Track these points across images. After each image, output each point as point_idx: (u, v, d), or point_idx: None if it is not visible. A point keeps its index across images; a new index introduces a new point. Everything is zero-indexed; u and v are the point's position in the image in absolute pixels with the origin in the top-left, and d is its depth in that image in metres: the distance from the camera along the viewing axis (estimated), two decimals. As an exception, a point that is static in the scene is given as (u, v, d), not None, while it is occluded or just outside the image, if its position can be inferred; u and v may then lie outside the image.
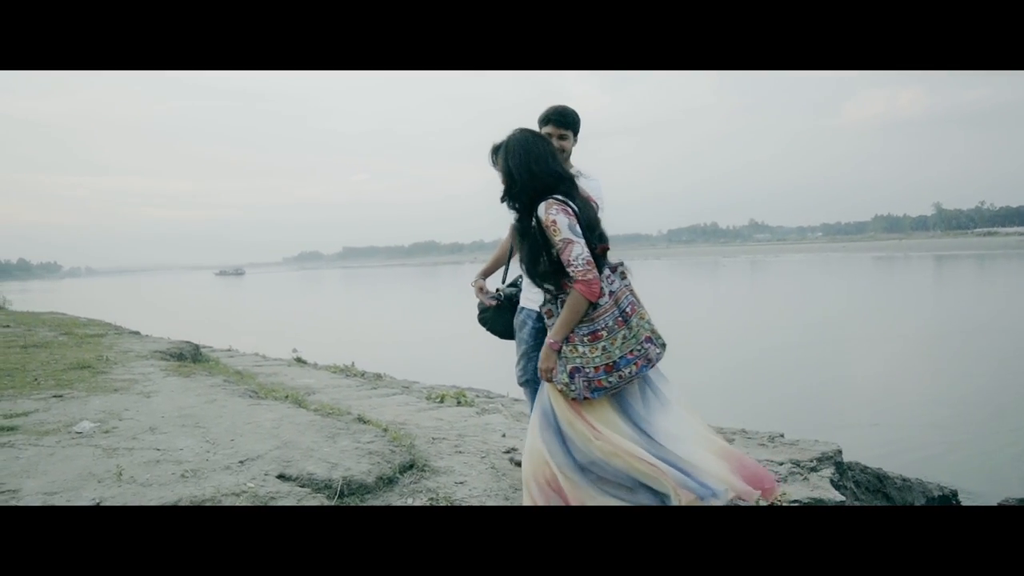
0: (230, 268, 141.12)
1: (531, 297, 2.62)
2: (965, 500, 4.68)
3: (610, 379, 2.26)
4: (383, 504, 2.68)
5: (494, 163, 2.41)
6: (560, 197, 2.29)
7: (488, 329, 2.97)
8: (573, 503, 2.25)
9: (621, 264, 2.44)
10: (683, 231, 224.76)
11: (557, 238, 2.24)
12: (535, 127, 2.68)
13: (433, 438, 3.74)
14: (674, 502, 2.19)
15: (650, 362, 2.32)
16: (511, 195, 2.37)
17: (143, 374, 4.94)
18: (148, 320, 15.93)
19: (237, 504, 2.43)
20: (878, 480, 4.03)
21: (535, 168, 2.30)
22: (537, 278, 2.40)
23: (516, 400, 5.59)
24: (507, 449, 3.52)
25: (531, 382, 2.68)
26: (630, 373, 2.28)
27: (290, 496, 2.54)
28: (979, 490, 5.35)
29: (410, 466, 3.04)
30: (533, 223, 2.30)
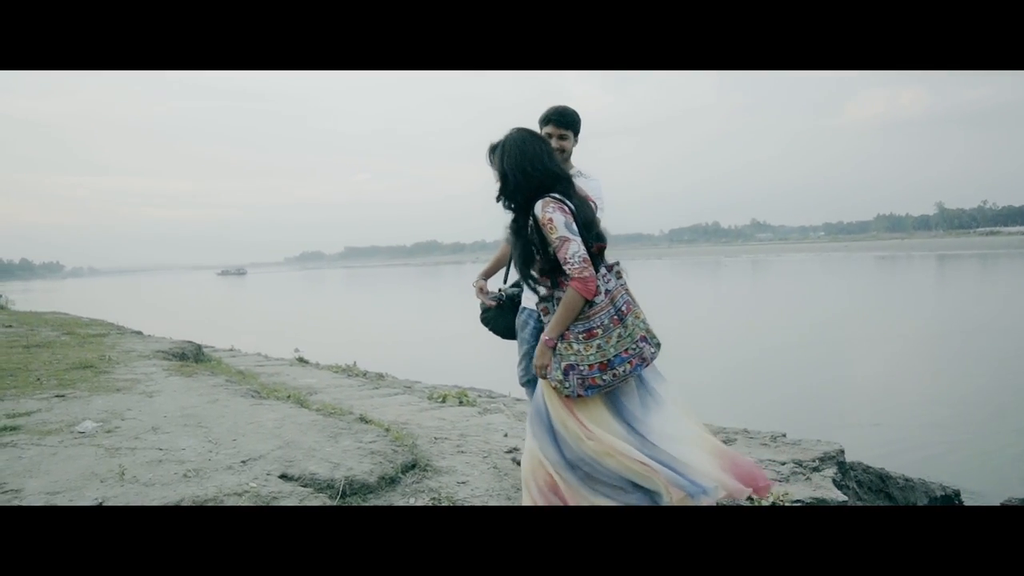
0: (232, 268, 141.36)
1: (533, 297, 2.62)
2: (968, 500, 4.67)
3: (604, 377, 2.26)
4: (385, 504, 2.69)
5: (491, 162, 2.41)
6: (557, 196, 2.29)
7: (490, 329, 2.97)
8: (571, 503, 2.26)
9: (617, 263, 2.44)
10: (685, 231, 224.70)
11: (554, 236, 2.24)
12: (536, 127, 2.68)
13: (435, 438, 3.74)
14: (665, 500, 2.20)
15: (644, 361, 2.32)
16: (506, 194, 2.37)
17: (145, 374, 4.95)
18: (150, 320, 15.97)
19: (239, 504, 2.44)
20: (880, 480, 4.02)
21: (529, 168, 2.30)
22: (528, 278, 2.41)
23: (518, 400, 5.59)
24: (509, 449, 3.52)
25: (533, 382, 2.68)
26: (624, 371, 2.28)
27: (292, 496, 2.54)
28: (982, 490, 5.34)
29: (412, 466, 3.05)
30: (530, 222, 2.30)
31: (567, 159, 2.78)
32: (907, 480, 4.17)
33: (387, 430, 3.47)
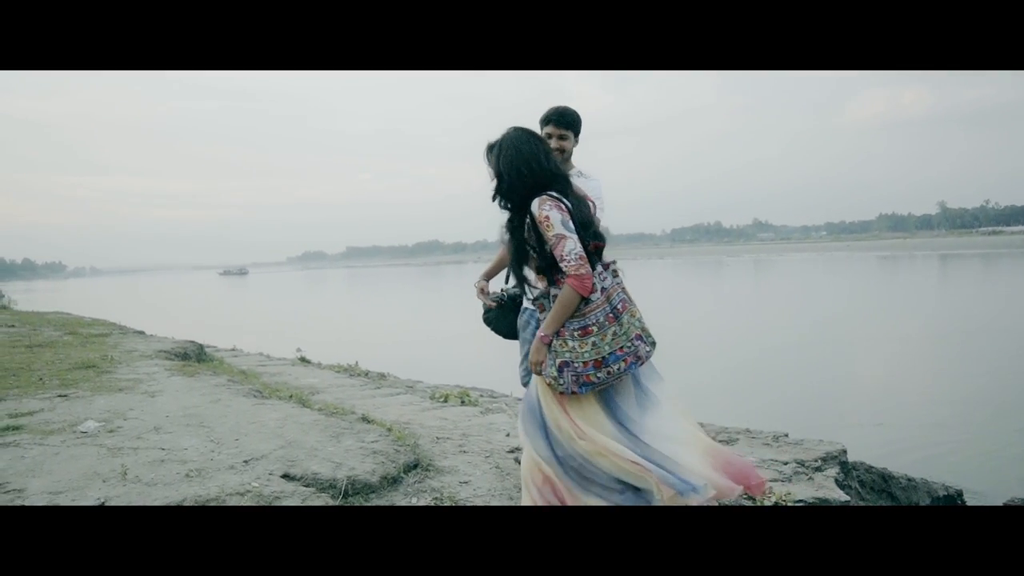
0: (234, 268, 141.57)
1: None
2: (970, 500, 4.66)
3: (598, 375, 2.27)
4: (387, 504, 2.69)
5: (488, 161, 2.42)
6: (554, 194, 2.30)
7: (492, 329, 2.97)
8: (569, 503, 2.26)
9: (614, 262, 2.44)
10: (687, 230, 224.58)
11: (550, 233, 2.25)
12: (536, 126, 2.68)
13: (437, 438, 3.75)
14: (657, 499, 2.20)
15: (639, 359, 2.32)
16: (502, 193, 2.38)
17: (148, 374, 4.95)
18: (152, 320, 15.99)
19: (241, 504, 2.44)
20: (883, 480, 4.02)
21: (524, 168, 2.30)
22: (521, 277, 2.42)
23: (520, 400, 5.57)
24: (511, 449, 3.52)
25: (535, 382, 2.68)
26: (619, 369, 2.28)
27: (294, 496, 2.55)
28: (984, 490, 5.33)
29: (414, 466, 3.05)
30: (527, 220, 2.30)
31: (567, 159, 2.79)
32: (909, 480, 4.16)
33: (389, 430, 3.47)
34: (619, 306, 2.32)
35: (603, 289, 2.31)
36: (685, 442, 2.38)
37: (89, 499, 2.43)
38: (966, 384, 10.18)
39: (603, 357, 2.26)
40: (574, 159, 2.84)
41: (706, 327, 18.44)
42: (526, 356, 2.78)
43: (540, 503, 2.31)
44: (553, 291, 2.32)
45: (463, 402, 5.17)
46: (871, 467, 4.04)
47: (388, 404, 5.02)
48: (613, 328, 2.28)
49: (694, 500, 2.19)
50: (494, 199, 2.41)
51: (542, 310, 2.40)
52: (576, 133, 2.80)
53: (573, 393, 2.28)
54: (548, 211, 2.25)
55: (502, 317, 2.90)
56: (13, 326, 8.49)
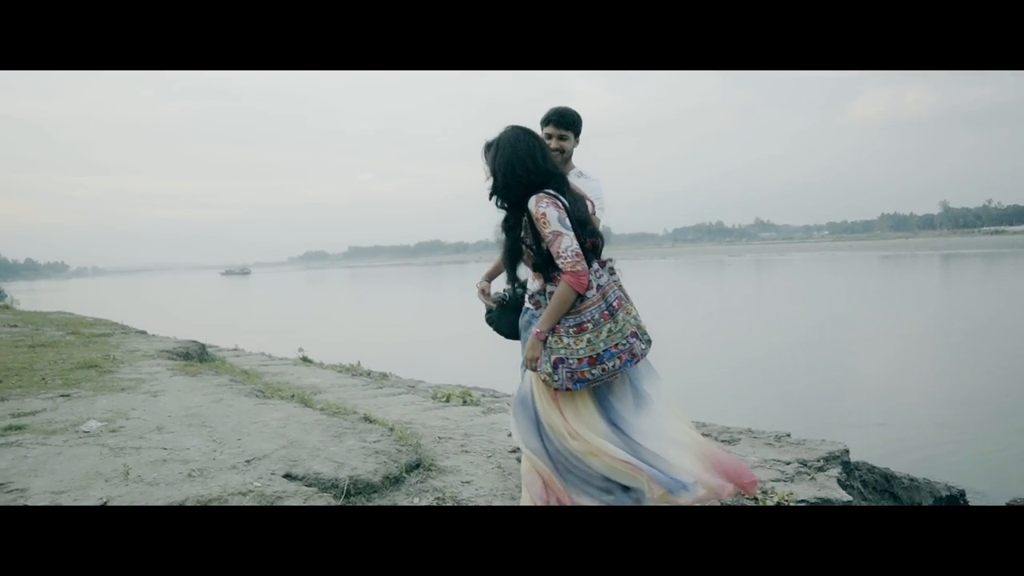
0: (236, 268, 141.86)
1: None
2: (973, 500, 4.65)
3: (593, 371, 2.27)
4: (389, 504, 2.69)
5: (485, 160, 2.42)
6: (551, 191, 2.30)
7: (495, 329, 2.97)
8: (565, 503, 2.26)
9: (610, 260, 2.44)
10: (688, 230, 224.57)
11: (547, 230, 2.25)
12: (538, 127, 2.69)
13: (439, 437, 3.75)
14: (648, 498, 2.20)
15: (635, 357, 2.32)
16: (498, 192, 2.38)
17: (150, 373, 4.96)
18: (154, 320, 16.00)
19: (244, 504, 2.44)
20: (885, 480, 4.01)
21: (520, 167, 2.31)
22: (513, 276, 2.45)
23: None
24: (513, 448, 3.52)
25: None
26: (614, 367, 2.28)
27: (296, 495, 2.55)
28: (987, 490, 5.32)
29: (416, 465, 3.05)
30: (524, 219, 2.31)
31: (567, 160, 2.79)
32: (912, 480, 4.16)
33: (391, 430, 3.47)
34: (615, 303, 2.33)
35: (599, 286, 2.32)
36: (677, 441, 2.38)
37: (91, 499, 2.43)
38: (968, 384, 10.16)
39: (598, 354, 2.26)
40: (575, 159, 2.84)
41: (708, 327, 18.43)
42: (527, 356, 2.78)
43: (539, 503, 2.31)
44: (549, 288, 2.33)
45: (465, 402, 5.18)
46: (873, 467, 4.04)
47: (390, 404, 5.02)
48: (608, 325, 2.28)
49: (684, 498, 2.20)
50: (491, 197, 2.42)
51: (538, 307, 2.41)
52: (576, 134, 2.80)
53: (568, 389, 2.29)
54: (545, 208, 2.26)
55: (503, 317, 2.90)
56: (16, 326, 8.50)
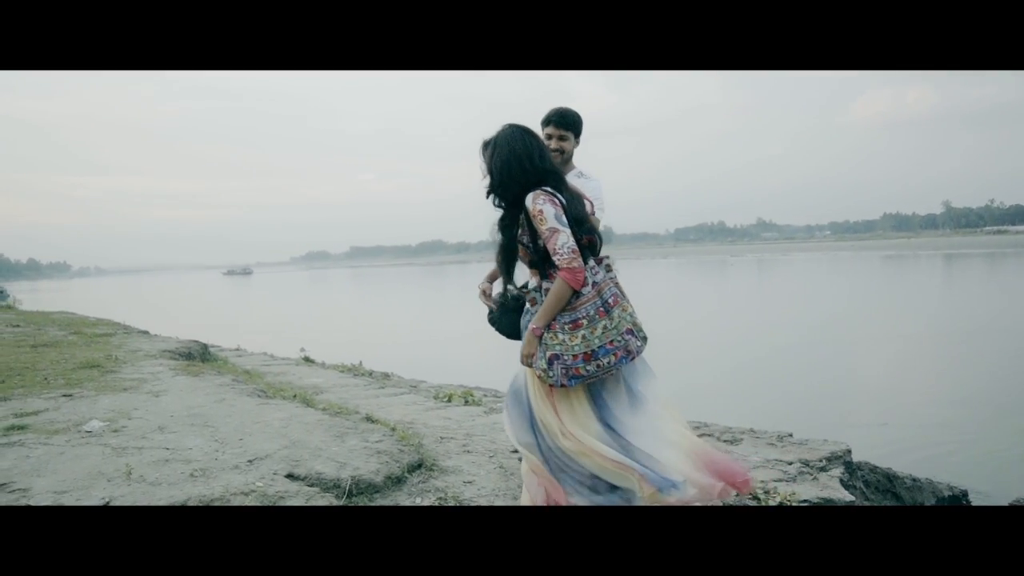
0: (238, 267, 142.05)
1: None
2: (976, 500, 4.65)
3: (588, 368, 2.27)
4: (392, 504, 2.69)
5: (483, 158, 2.43)
6: (548, 189, 2.31)
7: (497, 329, 2.97)
8: (562, 502, 2.26)
9: (607, 257, 2.44)
10: (690, 230, 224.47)
11: (543, 227, 2.26)
12: (538, 127, 2.69)
13: (441, 437, 3.75)
14: (639, 497, 2.20)
15: (630, 354, 2.32)
16: (495, 190, 2.39)
17: (152, 373, 4.96)
18: (156, 319, 16.03)
19: (246, 504, 2.44)
20: (888, 480, 4.01)
21: (516, 165, 2.31)
22: (508, 275, 2.46)
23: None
24: (515, 448, 3.52)
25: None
26: (608, 363, 2.28)
27: (299, 495, 2.55)
28: (990, 490, 5.31)
29: (418, 465, 3.05)
30: (520, 217, 2.32)
31: (567, 160, 2.79)
32: (914, 480, 4.15)
33: (393, 430, 3.47)
34: (610, 300, 2.33)
35: (594, 283, 2.32)
36: (669, 440, 2.38)
37: (94, 499, 2.44)
38: (971, 384, 10.15)
39: (593, 350, 2.26)
40: (575, 160, 2.84)
41: (710, 327, 18.43)
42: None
43: (540, 503, 2.31)
44: (545, 285, 2.34)
45: (467, 402, 5.18)
46: (876, 467, 4.04)
47: (392, 404, 5.02)
48: (603, 322, 2.28)
49: (674, 496, 2.19)
50: (488, 196, 2.42)
51: (533, 304, 2.42)
52: (576, 134, 2.80)
53: (563, 386, 2.29)
54: (542, 205, 2.26)
55: (504, 317, 2.90)
56: (18, 326, 8.51)
